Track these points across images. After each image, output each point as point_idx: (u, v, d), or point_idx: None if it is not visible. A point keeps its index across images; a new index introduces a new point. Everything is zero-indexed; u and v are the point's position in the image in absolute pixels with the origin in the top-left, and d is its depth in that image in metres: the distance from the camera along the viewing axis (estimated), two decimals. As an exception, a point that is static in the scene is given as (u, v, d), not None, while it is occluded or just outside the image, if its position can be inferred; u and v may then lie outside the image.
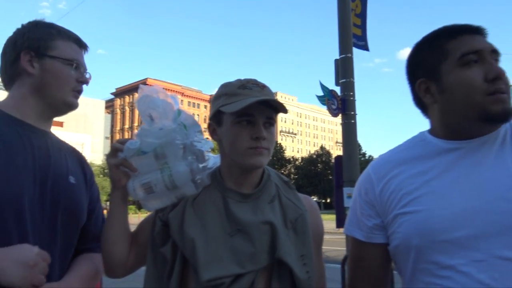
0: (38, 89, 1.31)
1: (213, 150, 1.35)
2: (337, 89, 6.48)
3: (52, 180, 1.28)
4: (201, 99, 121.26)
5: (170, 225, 1.21)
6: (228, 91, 1.24)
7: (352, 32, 6.86)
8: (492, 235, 0.97)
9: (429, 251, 1.03)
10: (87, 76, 1.43)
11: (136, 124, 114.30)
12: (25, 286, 1.06)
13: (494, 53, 1.07)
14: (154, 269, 1.23)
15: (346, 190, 6.05)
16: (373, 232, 1.18)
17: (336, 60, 6.62)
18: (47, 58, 1.31)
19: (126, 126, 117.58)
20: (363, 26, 7.43)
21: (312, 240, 1.25)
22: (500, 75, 1.03)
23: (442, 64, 1.11)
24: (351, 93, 6.41)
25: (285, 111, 1.24)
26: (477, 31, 1.10)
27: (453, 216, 1.01)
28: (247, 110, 1.18)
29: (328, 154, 65.76)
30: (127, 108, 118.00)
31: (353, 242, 1.25)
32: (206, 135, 1.40)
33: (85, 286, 1.32)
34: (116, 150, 1.22)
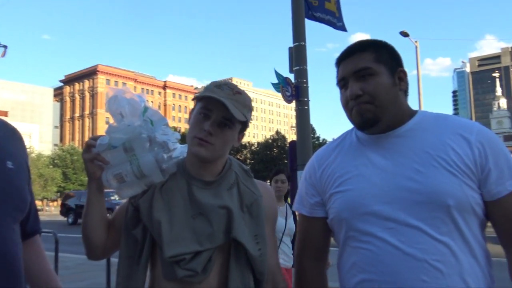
0: None
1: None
2: (291, 76, 6.66)
3: None
4: (155, 85, 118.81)
5: (140, 209, 1.35)
6: (207, 87, 1.39)
7: (330, 10, 7.03)
8: (401, 208, 1.21)
9: (355, 222, 1.28)
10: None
11: (87, 112, 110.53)
12: None
13: (360, 71, 1.30)
14: (126, 249, 1.36)
15: (300, 174, 6.29)
16: (315, 208, 1.44)
17: (290, 48, 6.77)
18: None
19: (77, 114, 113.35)
20: (338, 7, 7.48)
21: (266, 222, 1.42)
22: (350, 97, 1.30)
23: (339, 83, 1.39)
24: (304, 80, 6.60)
25: (236, 120, 1.34)
26: (350, 55, 1.35)
27: (373, 194, 1.26)
28: (209, 105, 1.33)
29: (283, 138, 66.47)
30: (77, 96, 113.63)
31: (301, 217, 1.51)
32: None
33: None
34: (89, 146, 1.35)
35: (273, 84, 6.66)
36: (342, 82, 1.35)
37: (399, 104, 1.32)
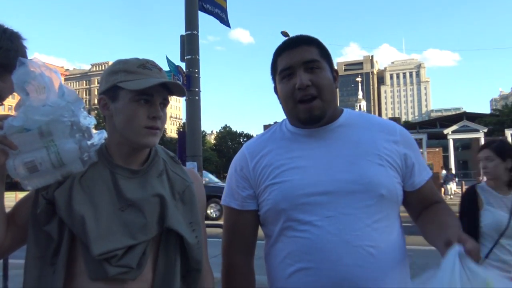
0: None
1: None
2: (183, 65, 6.52)
3: None
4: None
5: (56, 202, 1.17)
6: (127, 68, 1.23)
7: (219, 4, 6.94)
8: (338, 198, 1.26)
9: (293, 212, 1.29)
10: None
11: None
12: None
13: (310, 62, 1.33)
14: (36, 249, 1.17)
15: (189, 165, 6.21)
16: (247, 201, 1.40)
17: (182, 36, 6.61)
18: None
19: None
20: (225, 1, 7.45)
21: (198, 209, 1.35)
22: (300, 86, 1.30)
23: (276, 75, 1.40)
24: (196, 70, 6.51)
25: (182, 95, 1.30)
26: (297, 45, 1.36)
27: (311, 185, 1.28)
28: (148, 90, 1.20)
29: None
30: None
31: (229, 211, 1.45)
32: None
33: None
34: None
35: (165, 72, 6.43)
36: (288, 71, 1.34)
37: (336, 101, 1.39)
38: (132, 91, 1.20)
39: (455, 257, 0.99)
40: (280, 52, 1.39)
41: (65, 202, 1.16)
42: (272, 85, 1.47)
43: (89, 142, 1.21)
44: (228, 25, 7.49)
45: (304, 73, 1.31)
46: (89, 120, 1.23)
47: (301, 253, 1.26)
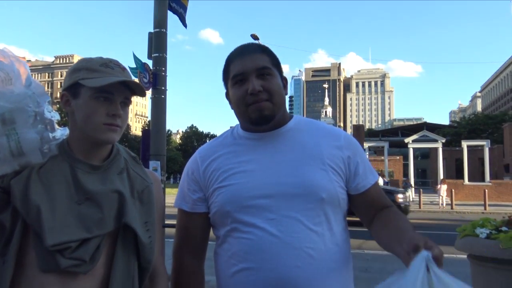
0: None
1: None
2: (150, 63, 6.44)
3: None
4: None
5: (12, 191, 1.15)
6: (90, 66, 1.25)
7: (184, 4, 6.90)
8: (282, 201, 1.31)
9: (238, 214, 1.33)
10: None
11: None
12: None
13: (262, 69, 1.38)
14: None
15: (151, 164, 6.15)
16: (197, 203, 1.45)
17: (150, 33, 6.54)
18: None
19: None
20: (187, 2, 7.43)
21: (155, 210, 1.37)
22: (252, 91, 1.35)
23: (228, 80, 1.44)
24: (163, 68, 6.45)
25: (143, 94, 1.34)
26: (250, 52, 1.41)
27: (256, 188, 1.33)
28: (108, 88, 1.22)
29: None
30: None
31: (181, 214, 1.50)
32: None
33: None
34: None
35: (131, 69, 6.32)
36: (240, 77, 1.38)
37: (285, 106, 1.44)
38: (92, 88, 1.21)
39: (421, 262, 0.99)
40: (232, 58, 1.43)
41: (21, 191, 1.15)
42: (224, 91, 1.50)
43: (51, 135, 1.20)
44: (185, 25, 7.46)
45: (256, 79, 1.36)
46: (52, 114, 1.24)
47: (244, 253, 1.31)
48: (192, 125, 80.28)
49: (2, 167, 1.16)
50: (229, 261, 1.35)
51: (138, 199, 1.31)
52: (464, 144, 27.96)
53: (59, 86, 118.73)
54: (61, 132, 1.29)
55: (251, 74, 1.36)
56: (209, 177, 1.41)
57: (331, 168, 1.36)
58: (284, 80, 1.45)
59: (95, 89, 1.22)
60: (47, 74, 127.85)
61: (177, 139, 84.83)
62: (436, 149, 28.90)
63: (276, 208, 1.30)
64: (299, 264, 1.26)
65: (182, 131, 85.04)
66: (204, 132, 78.50)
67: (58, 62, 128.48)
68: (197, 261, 1.48)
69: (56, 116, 1.25)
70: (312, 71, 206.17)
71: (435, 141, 28.56)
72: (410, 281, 0.95)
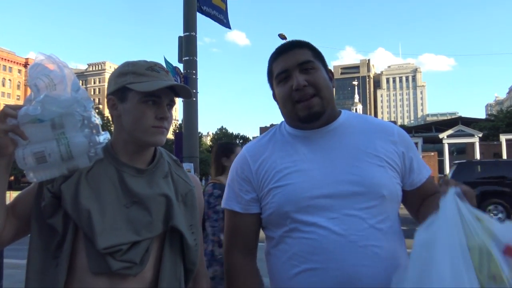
0: None
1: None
2: (181, 66, 6.53)
3: None
4: (14, 62, 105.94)
5: (63, 196, 1.19)
6: (136, 70, 1.27)
7: (217, 5, 6.98)
8: (341, 199, 1.28)
9: (298, 214, 1.29)
10: None
11: None
12: None
13: (304, 63, 1.36)
14: (39, 240, 1.20)
15: (185, 166, 6.22)
16: (250, 204, 1.41)
17: (180, 37, 6.64)
18: None
19: None
20: (225, 3, 7.50)
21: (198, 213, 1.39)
22: (297, 87, 1.33)
23: (273, 79, 1.42)
24: (194, 71, 6.55)
25: (189, 97, 1.36)
26: (290, 49, 1.39)
27: (315, 187, 1.30)
28: (156, 92, 1.24)
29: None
30: None
31: (230, 214, 1.46)
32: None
33: None
34: (6, 115, 1.13)
35: (162, 73, 6.43)
36: (284, 75, 1.37)
37: (334, 101, 1.40)
38: (141, 92, 1.24)
39: (452, 196, 1.11)
40: (274, 57, 1.42)
41: (71, 196, 1.19)
42: (271, 92, 1.48)
43: (97, 139, 1.23)
44: (228, 26, 7.53)
45: (300, 74, 1.33)
46: (99, 119, 1.26)
47: (306, 253, 1.27)
48: (222, 126, 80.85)
49: (51, 171, 1.19)
50: (288, 262, 1.31)
51: (182, 202, 1.34)
52: (503, 137, 27.06)
53: (92, 93, 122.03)
54: (104, 136, 1.31)
55: (294, 70, 1.34)
56: (262, 177, 1.38)
57: (388, 165, 1.34)
58: (330, 73, 1.42)
59: (145, 93, 1.24)
60: (81, 81, 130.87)
61: (208, 141, 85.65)
62: (472, 144, 28.07)
63: (337, 207, 1.27)
64: (366, 263, 1.23)
65: (212, 133, 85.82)
66: (234, 133, 78.86)
67: (91, 69, 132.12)
68: (249, 259, 1.45)
69: (99, 121, 1.27)
70: (341, 69, 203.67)
71: (471, 135, 27.75)
72: (444, 213, 1.10)
